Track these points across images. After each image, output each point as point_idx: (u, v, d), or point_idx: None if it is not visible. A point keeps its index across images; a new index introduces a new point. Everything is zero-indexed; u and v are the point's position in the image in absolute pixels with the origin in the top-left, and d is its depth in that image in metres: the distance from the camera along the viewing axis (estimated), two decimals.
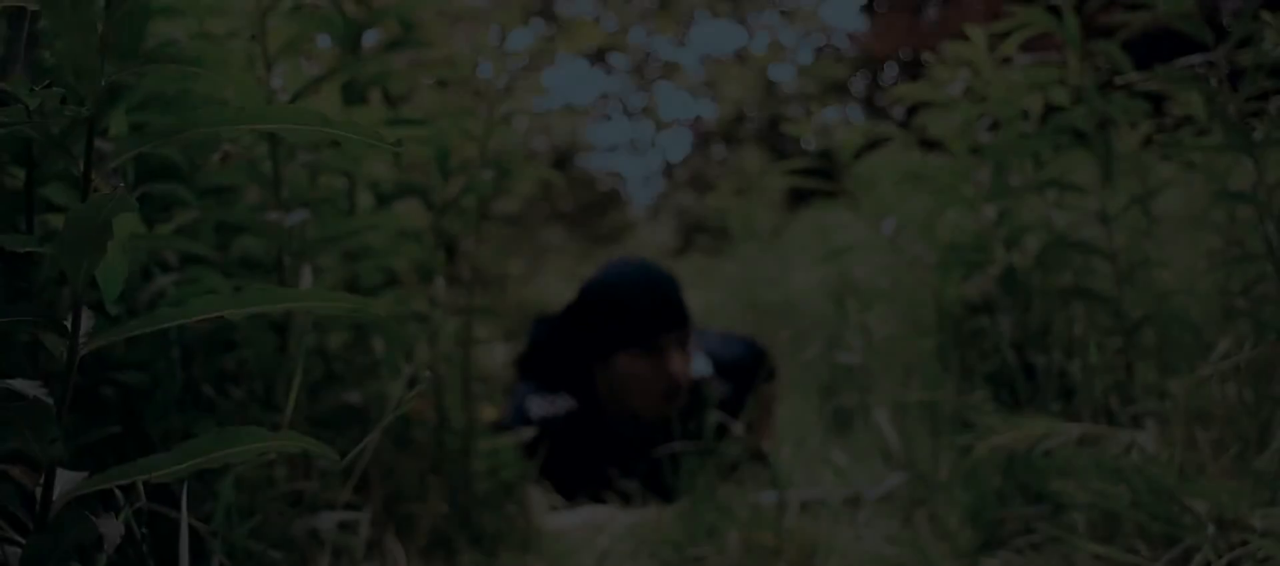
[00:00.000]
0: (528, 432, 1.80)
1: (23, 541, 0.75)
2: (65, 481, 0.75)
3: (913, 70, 10.84)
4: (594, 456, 2.48)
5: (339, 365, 1.82)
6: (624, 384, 2.52)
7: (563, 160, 12.89)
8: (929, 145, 2.40)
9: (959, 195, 1.84)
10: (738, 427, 1.93)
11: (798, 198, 7.23)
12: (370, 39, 1.81)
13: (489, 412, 2.15)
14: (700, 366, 2.61)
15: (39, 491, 0.75)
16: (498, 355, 2.53)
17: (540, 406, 2.56)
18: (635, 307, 2.50)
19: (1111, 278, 1.85)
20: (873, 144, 2.17)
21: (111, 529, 0.73)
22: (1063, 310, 1.91)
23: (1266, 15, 1.58)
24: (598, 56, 13.22)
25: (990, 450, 1.43)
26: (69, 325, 0.73)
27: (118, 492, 0.79)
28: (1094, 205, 1.88)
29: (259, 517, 1.03)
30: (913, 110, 2.16)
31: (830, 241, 5.24)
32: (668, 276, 2.59)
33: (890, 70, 11.84)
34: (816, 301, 4.46)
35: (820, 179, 1.96)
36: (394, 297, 1.73)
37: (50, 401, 0.71)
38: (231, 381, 1.32)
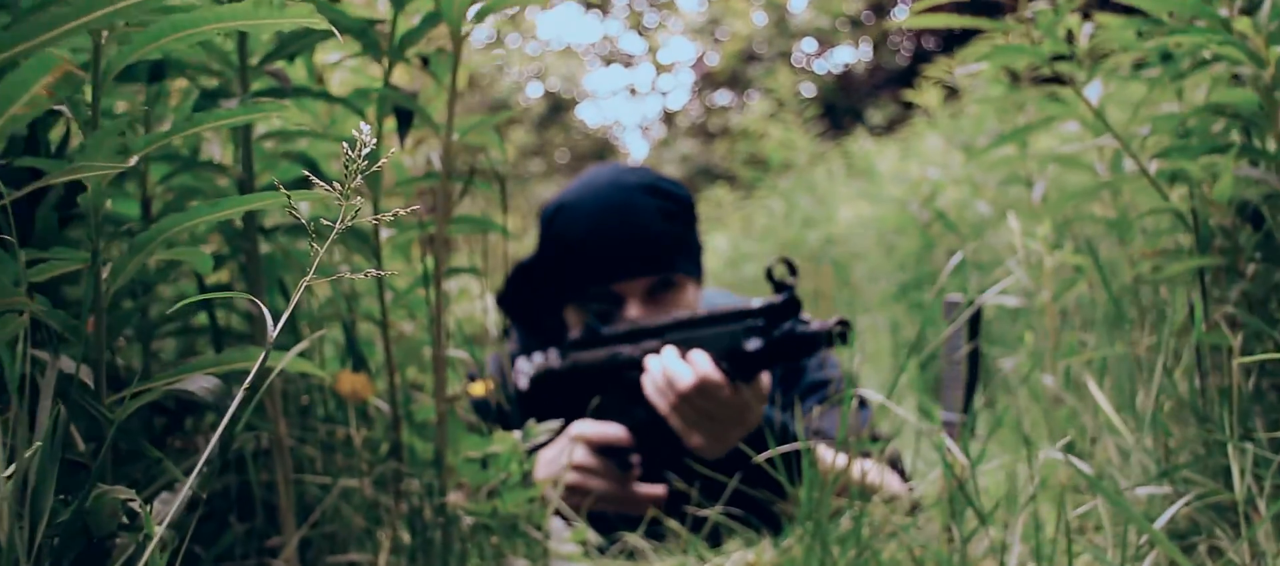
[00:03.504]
0: (546, 428, 1.08)
1: None
2: None
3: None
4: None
5: (238, 322, 1.13)
6: None
7: (559, 108, 12.20)
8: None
9: (1229, 46, 1.12)
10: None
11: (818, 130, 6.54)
12: None
13: (477, 390, 1.44)
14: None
15: None
16: (488, 309, 1.80)
17: (526, 368, 1.76)
18: (582, 242, 1.67)
19: None
20: None
21: None
22: None
23: None
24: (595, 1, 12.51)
25: None
26: None
27: None
28: None
29: None
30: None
31: (873, 174, 4.53)
32: (651, 188, 1.69)
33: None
34: (872, 237, 3.76)
35: (988, 17, 1.25)
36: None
37: None
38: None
